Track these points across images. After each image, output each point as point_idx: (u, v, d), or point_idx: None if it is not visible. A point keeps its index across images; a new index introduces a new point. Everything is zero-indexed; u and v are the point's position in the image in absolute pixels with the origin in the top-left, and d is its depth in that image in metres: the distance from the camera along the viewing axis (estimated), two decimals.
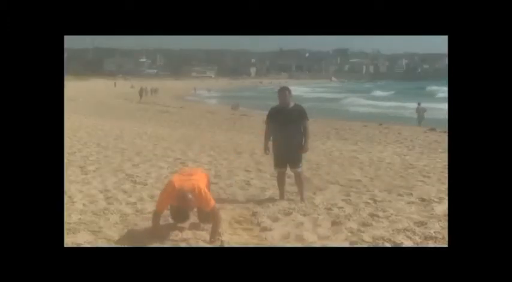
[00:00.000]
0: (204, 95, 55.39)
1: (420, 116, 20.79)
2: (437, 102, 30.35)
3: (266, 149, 5.79)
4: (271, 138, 5.72)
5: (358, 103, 40.06)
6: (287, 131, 5.49)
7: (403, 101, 36.89)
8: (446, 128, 15.65)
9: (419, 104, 21.71)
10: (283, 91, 5.59)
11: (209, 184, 4.71)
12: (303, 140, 5.55)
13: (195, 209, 4.43)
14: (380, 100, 43.56)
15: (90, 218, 4.72)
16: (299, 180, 5.66)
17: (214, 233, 4.16)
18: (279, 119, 5.55)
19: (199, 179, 4.37)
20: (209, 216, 4.31)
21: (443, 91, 53.46)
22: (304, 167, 5.96)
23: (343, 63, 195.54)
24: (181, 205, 4.14)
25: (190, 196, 4.07)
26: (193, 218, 4.92)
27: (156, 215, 4.27)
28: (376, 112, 30.39)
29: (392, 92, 58.95)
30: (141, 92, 42.23)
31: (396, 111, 30.10)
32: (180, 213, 4.31)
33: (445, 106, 29.52)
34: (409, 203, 5.52)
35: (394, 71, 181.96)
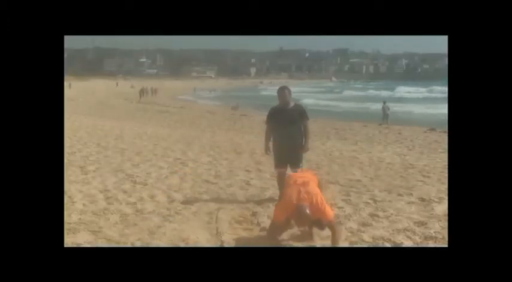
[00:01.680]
0: (204, 95, 55.41)
1: (385, 114, 22.16)
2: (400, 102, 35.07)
3: (267, 149, 5.79)
4: (271, 138, 5.72)
5: (315, 104, 40.79)
6: (287, 131, 5.48)
7: (367, 101, 38.39)
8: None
9: (384, 102, 23.22)
10: (283, 90, 5.58)
11: (321, 187, 4.38)
12: (303, 140, 5.55)
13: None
14: (344, 101, 44.22)
15: (90, 218, 4.72)
16: None
17: (336, 243, 3.94)
18: (279, 119, 5.54)
19: (314, 188, 4.13)
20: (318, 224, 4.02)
21: (414, 91, 57.68)
22: (304, 167, 5.96)
23: (343, 63, 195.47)
24: (298, 222, 3.99)
25: (308, 212, 3.88)
26: (196, 220, 4.92)
27: (275, 227, 4.14)
28: (326, 111, 31.44)
29: (363, 93, 59.91)
30: (142, 92, 42.34)
31: (349, 111, 31.54)
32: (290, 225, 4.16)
33: (406, 106, 32.35)
34: (409, 203, 5.52)
35: (394, 71, 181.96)
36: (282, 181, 5.69)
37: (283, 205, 4.09)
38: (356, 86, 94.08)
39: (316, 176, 4.62)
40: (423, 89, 61.31)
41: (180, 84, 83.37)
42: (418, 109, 31.92)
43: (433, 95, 51.22)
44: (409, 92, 57.40)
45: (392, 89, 62.77)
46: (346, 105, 37.71)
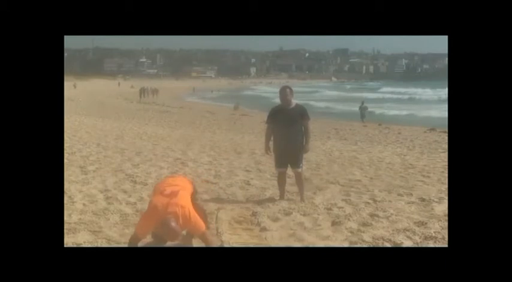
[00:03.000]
0: (204, 95, 55.43)
1: (362, 113, 23.21)
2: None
3: (267, 149, 5.79)
4: (272, 138, 5.72)
5: None
6: (288, 131, 5.49)
7: (349, 101, 38.43)
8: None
9: (362, 103, 24.23)
10: (284, 90, 5.59)
11: (195, 195, 4.04)
12: (304, 140, 5.55)
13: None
14: (325, 101, 44.36)
15: (90, 218, 4.72)
16: (299, 180, 5.66)
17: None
18: (280, 119, 5.54)
19: (183, 198, 3.66)
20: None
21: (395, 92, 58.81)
22: (304, 167, 5.96)
23: (343, 63, 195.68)
24: (164, 235, 3.56)
25: (173, 224, 3.46)
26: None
27: (136, 239, 3.63)
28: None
29: (345, 93, 60.21)
30: (142, 92, 42.39)
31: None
32: (162, 240, 3.69)
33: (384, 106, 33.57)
34: (409, 203, 5.51)
35: (394, 71, 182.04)
36: (282, 181, 5.70)
37: (148, 217, 3.62)
38: (347, 86, 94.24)
39: (191, 182, 4.15)
40: (419, 90, 61.33)
41: (180, 84, 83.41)
42: (396, 111, 31.99)
43: (424, 96, 51.25)
44: (392, 93, 57.30)
45: (376, 90, 63.22)
46: (325, 105, 37.82)
